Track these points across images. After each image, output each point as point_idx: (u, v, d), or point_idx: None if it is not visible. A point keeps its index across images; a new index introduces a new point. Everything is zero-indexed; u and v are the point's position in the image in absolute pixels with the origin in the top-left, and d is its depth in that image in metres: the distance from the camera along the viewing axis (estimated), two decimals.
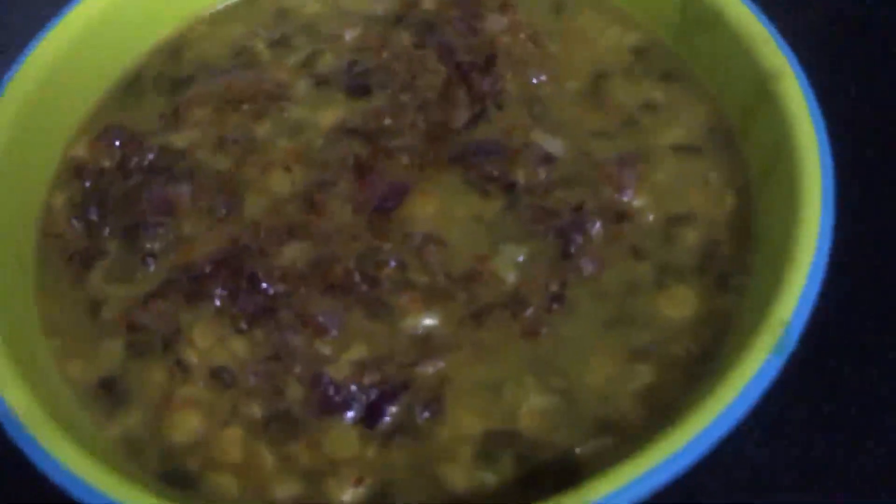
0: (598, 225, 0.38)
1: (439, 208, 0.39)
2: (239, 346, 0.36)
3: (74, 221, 0.40)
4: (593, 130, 0.41)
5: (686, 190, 0.39)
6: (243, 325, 0.36)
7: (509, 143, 0.41)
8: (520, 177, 0.40)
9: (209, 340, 0.36)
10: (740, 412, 0.30)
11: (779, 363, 0.31)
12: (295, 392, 0.35)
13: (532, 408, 0.34)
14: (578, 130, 0.41)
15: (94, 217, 0.40)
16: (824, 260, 0.33)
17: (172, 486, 0.33)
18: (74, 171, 0.41)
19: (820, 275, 0.33)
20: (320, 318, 0.36)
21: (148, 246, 0.39)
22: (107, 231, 0.39)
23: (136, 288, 0.38)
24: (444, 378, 0.35)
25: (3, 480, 0.37)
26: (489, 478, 0.33)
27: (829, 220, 0.34)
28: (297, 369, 0.35)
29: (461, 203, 0.39)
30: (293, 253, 0.38)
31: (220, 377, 0.35)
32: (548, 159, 0.40)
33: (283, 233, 0.39)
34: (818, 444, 0.38)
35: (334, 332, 0.36)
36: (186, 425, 0.34)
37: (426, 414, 0.34)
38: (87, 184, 0.41)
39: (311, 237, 0.38)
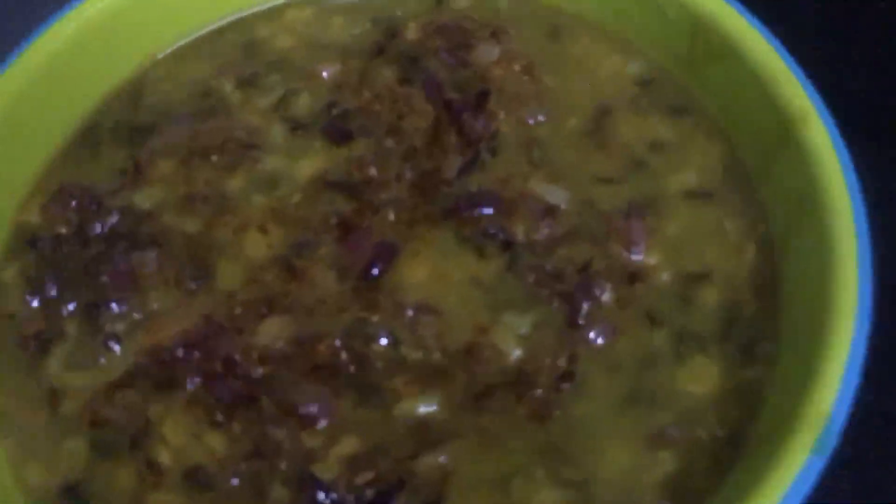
0: (607, 288, 0.34)
1: (432, 271, 0.36)
2: (216, 441, 0.32)
3: (28, 298, 0.36)
4: (597, 175, 0.38)
5: (702, 243, 0.36)
6: (220, 418, 0.33)
7: (506, 193, 0.37)
8: (519, 233, 0.36)
9: (183, 436, 0.32)
10: None
11: (820, 465, 0.27)
12: (280, 494, 0.31)
13: None
14: (581, 176, 0.38)
15: (51, 293, 0.36)
16: (865, 336, 0.30)
17: None
18: (27, 239, 0.37)
19: (861, 355, 0.29)
20: (306, 407, 0.32)
21: (111, 326, 0.35)
22: (66, 310, 0.36)
23: (99, 376, 0.34)
24: (445, 473, 0.31)
25: None
26: None
27: (868, 287, 0.30)
28: (283, 466, 0.32)
29: (456, 264, 0.36)
30: (273, 329, 0.34)
31: (196, 479, 0.32)
32: (549, 212, 0.36)
33: (261, 306, 0.35)
34: None
35: (322, 423, 0.32)
36: None
37: None
38: (42, 254, 0.37)
39: (291, 310, 0.35)
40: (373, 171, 0.38)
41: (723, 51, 0.38)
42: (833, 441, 0.28)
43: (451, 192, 0.37)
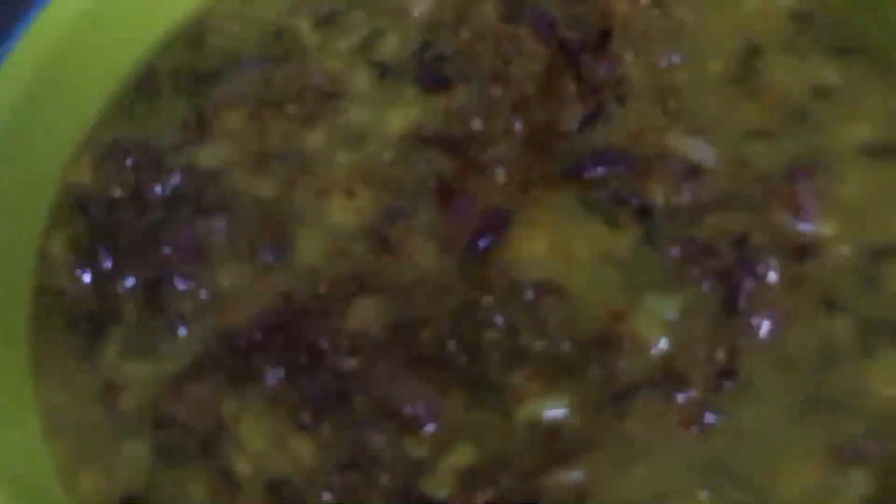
0: (772, 265, 0.28)
1: (553, 244, 0.31)
2: (303, 447, 0.28)
3: (79, 273, 0.32)
4: (750, 129, 0.33)
5: (887, 208, 0.30)
6: (307, 419, 0.28)
7: (639, 150, 0.32)
8: (658, 197, 0.31)
9: (263, 441, 0.29)
10: None
11: None
12: None
13: None
14: (730, 130, 0.33)
15: (105, 266, 0.32)
16: None
17: None
18: (76, 203, 0.34)
19: None
20: (408, 407, 0.27)
21: (176, 306, 0.31)
22: (122, 286, 0.32)
23: (163, 365, 0.30)
24: (581, 492, 0.26)
25: None
26: None
27: None
28: (383, 480, 0.27)
29: (582, 236, 0.31)
30: (366, 313, 0.30)
31: (279, 493, 0.27)
32: (694, 172, 0.31)
33: (351, 284, 0.30)
34: None
35: (429, 427, 0.27)
36: None
37: None
38: (94, 221, 0.33)
39: (386, 290, 0.30)
40: (477, 124, 0.33)
41: None
42: None
43: (571, 149, 0.32)
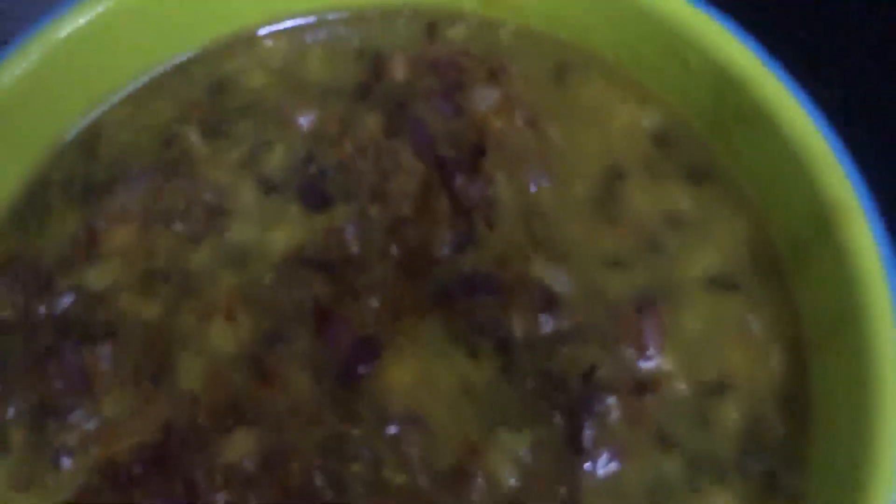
0: (614, 403, 0.30)
1: (419, 374, 0.31)
2: None
3: None
4: (607, 257, 0.33)
5: (723, 344, 0.31)
6: None
7: (505, 277, 0.32)
8: (517, 328, 0.31)
9: None
10: None
11: None
12: None
13: None
14: (588, 257, 0.33)
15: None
16: None
17: None
18: None
19: None
20: None
21: (61, 437, 0.31)
22: (10, 412, 0.31)
23: (47, 498, 0.30)
24: None
25: None
26: None
27: None
28: None
29: (445, 367, 0.31)
30: (240, 446, 0.30)
31: None
32: (551, 302, 0.32)
33: (228, 415, 0.31)
34: None
35: None
36: None
37: None
38: None
39: (261, 421, 0.31)
40: (355, 247, 0.33)
41: (753, 115, 0.32)
42: None
43: (442, 274, 0.32)
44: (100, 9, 0.35)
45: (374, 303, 0.32)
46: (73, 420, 0.31)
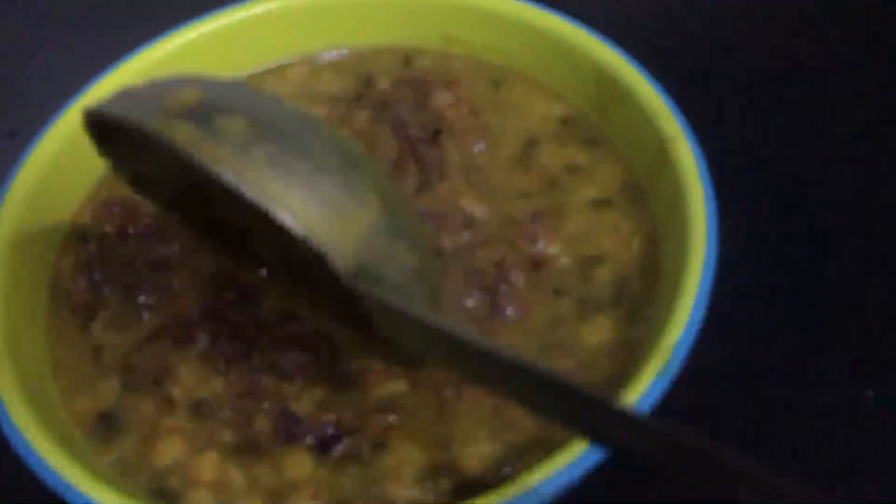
0: (518, 275, 0.43)
1: None
2: (217, 383, 0.40)
3: (80, 280, 0.44)
4: (518, 192, 0.46)
5: (598, 237, 0.44)
6: (221, 367, 0.41)
7: (442, 209, 0.45)
8: (446, 242, 0.44)
9: (192, 379, 0.40)
10: None
11: (663, 384, 0.36)
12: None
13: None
14: (505, 193, 0.46)
15: (97, 276, 0.44)
16: (707, 293, 0.38)
17: (159, 502, 0.38)
18: (80, 236, 0.46)
19: (703, 305, 0.38)
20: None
21: (143, 299, 0.43)
22: (107, 289, 0.44)
23: (132, 335, 0.42)
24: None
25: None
26: None
27: (711, 267, 0.39)
28: (265, 405, 0.39)
29: None
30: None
31: (199, 409, 0.40)
32: (469, 223, 0.45)
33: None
34: None
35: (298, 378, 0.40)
36: (170, 450, 0.39)
37: None
38: (92, 247, 0.45)
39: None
40: None
41: (621, 95, 0.47)
42: (676, 367, 0.36)
43: None
44: (181, 41, 0.51)
45: None
46: (149, 289, 0.43)
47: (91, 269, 0.45)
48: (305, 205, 0.30)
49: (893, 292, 0.51)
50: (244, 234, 0.39)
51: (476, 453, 0.37)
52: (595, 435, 0.29)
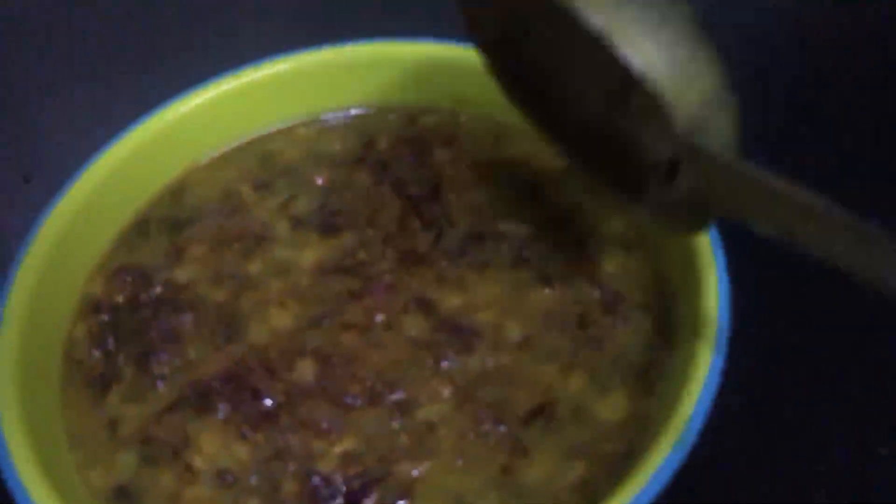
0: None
1: None
2: (241, 449, 0.40)
3: (93, 350, 0.44)
4: (540, 221, 0.47)
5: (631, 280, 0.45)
6: (247, 432, 0.40)
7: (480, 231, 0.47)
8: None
9: (215, 446, 0.40)
10: (647, 498, 0.35)
11: (681, 454, 0.36)
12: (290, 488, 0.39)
13: None
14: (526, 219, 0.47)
15: (110, 346, 0.44)
16: (721, 363, 0.38)
17: None
18: (92, 306, 0.45)
19: (717, 375, 0.38)
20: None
21: (158, 370, 0.43)
22: (121, 359, 0.44)
23: (149, 407, 0.42)
24: None
25: None
26: None
27: (726, 327, 0.39)
28: (292, 467, 0.39)
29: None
30: (302, 371, 0.42)
31: (224, 479, 0.39)
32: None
33: (293, 355, 0.42)
34: None
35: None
36: None
37: None
38: (104, 317, 0.45)
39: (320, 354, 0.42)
40: (362, 255, 0.46)
41: None
42: (692, 437, 0.36)
43: (430, 258, 0.46)
44: (194, 102, 0.51)
45: (388, 279, 0.45)
46: (165, 359, 0.43)
47: (104, 339, 0.45)
48: (657, 58, 0.33)
49: None
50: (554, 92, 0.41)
51: None
52: None
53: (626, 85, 0.34)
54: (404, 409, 0.40)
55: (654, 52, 0.33)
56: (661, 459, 0.36)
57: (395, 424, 0.39)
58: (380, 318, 0.43)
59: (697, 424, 0.37)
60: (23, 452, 0.38)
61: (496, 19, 0.43)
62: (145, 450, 0.40)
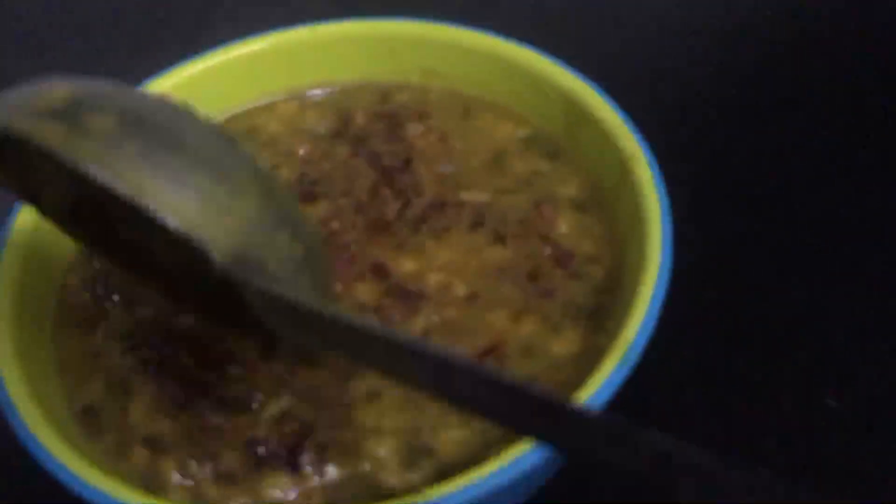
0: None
1: None
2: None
3: (85, 294, 0.46)
4: (501, 188, 0.50)
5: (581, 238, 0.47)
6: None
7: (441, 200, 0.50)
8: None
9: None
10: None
11: (625, 371, 0.38)
12: None
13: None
14: (490, 189, 0.50)
15: (100, 291, 0.47)
16: (661, 299, 0.41)
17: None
18: (86, 257, 0.47)
19: (659, 303, 0.40)
20: None
21: (140, 313, 0.46)
22: (110, 301, 0.47)
23: (126, 344, 0.45)
24: None
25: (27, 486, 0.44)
26: None
27: (666, 275, 0.42)
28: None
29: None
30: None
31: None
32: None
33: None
34: None
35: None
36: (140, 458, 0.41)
37: None
38: (96, 267, 0.47)
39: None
40: (335, 225, 0.49)
41: (585, 118, 0.50)
42: (635, 357, 0.39)
43: (395, 227, 0.49)
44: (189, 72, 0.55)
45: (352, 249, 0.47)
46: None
47: (95, 283, 0.48)
48: (178, 196, 0.29)
49: (853, 300, 0.53)
50: (146, 254, 0.38)
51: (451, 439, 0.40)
52: (540, 435, 0.27)
53: (165, 235, 0.30)
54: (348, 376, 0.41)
55: (172, 193, 0.29)
56: (605, 376, 0.38)
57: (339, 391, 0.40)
58: (337, 288, 0.44)
59: (640, 345, 0.39)
60: (14, 375, 0.41)
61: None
62: (110, 377, 0.43)
